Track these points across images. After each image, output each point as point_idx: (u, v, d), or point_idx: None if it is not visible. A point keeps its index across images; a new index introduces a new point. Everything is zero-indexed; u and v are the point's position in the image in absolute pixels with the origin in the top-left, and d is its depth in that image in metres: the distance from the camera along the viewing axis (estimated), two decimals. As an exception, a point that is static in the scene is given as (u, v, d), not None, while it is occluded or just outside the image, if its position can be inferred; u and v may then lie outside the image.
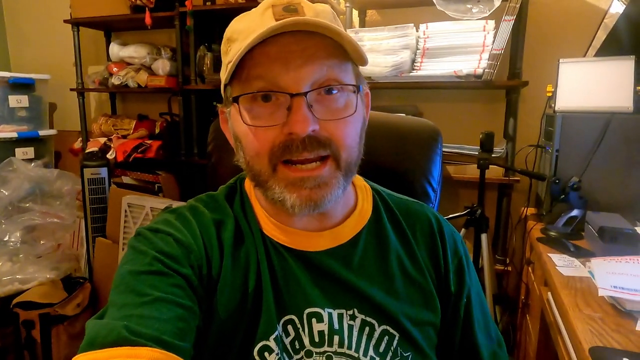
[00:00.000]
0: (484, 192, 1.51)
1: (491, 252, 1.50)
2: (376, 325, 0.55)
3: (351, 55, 0.53)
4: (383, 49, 1.65)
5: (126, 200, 1.91)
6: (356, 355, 0.53)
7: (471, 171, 1.59)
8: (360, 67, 0.57)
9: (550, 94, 1.44)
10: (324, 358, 0.53)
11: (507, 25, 1.51)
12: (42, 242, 2.05)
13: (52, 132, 2.46)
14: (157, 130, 2.20)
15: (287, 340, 0.53)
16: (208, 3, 1.89)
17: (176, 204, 0.62)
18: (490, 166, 1.47)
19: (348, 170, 0.53)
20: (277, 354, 0.51)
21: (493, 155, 1.49)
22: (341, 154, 0.52)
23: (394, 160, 0.82)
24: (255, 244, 0.56)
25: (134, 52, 2.11)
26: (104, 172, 2.03)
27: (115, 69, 2.14)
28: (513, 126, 1.66)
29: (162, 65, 2.05)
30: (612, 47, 1.51)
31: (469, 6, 1.53)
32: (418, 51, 1.65)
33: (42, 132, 2.38)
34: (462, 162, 1.65)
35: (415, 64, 1.66)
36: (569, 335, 0.83)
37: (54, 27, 2.49)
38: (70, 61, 2.37)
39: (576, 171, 1.30)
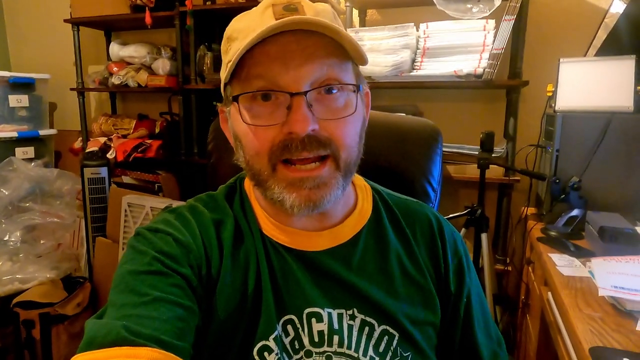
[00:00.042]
0: (484, 191, 1.51)
1: (491, 251, 1.50)
2: (376, 325, 0.55)
3: (351, 55, 0.53)
4: (383, 49, 1.64)
5: (126, 200, 1.91)
6: (356, 355, 0.53)
7: (471, 171, 1.59)
8: (361, 66, 0.57)
9: (550, 94, 1.44)
10: (324, 358, 0.53)
11: (507, 24, 1.51)
12: (42, 241, 2.05)
13: (52, 131, 2.46)
14: (157, 130, 2.21)
15: (286, 340, 0.53)
16: (208, 2, 1.89)
17: (176, 204, 0.62)
18: (490, 166, 1.47)
19: (347, 170, 0.53)
20: (276, 354, 0.51)
21: (493, 155, 1.49)
22: (341, 153, 0.52)
23: (394, 160, 0.82)
24: (254, 244, 0.56)
25: (134, 51, 2.11)
26: (104, 171, 2.03)
27: (115, 69, 2.14)
28: (513, 126, 1.66)
29: (162, 65, 2.05)
30: (612, 46, 1.51)
31: (469, 6, 1.52)
32: (418, 51, 1.64)
33: (42, 132, 2.38)
34: (462, 161, 1.65)
35: (415, 64, 1.66)
36: (569, 335, 0.83)
37: (54, 27, 2.49)
38: (70, 61, 2.38)
39: (576, 171, 1.30)
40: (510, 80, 1.66)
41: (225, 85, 0.55)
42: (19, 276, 1.85)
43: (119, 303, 0.46)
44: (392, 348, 0.55)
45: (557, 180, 1.31)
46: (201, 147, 2.05)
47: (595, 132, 1.27)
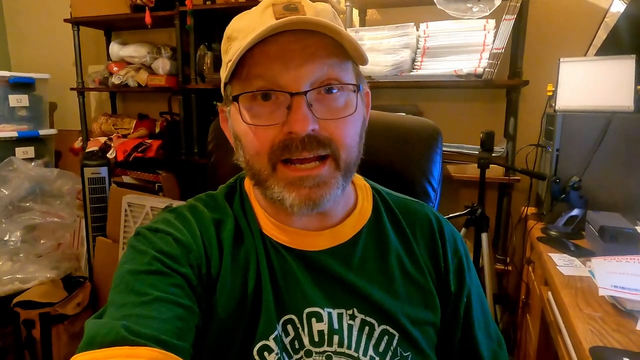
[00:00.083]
0: (485, 191, 1.51)
1: (491, 251, 1.50)
2: (376, 324, 0.55)
3: (351, 55, 0.53)
4: (383, 48, 1.64)
5: (126, 200, 1.91)
6: (356, 354, 0.53)
7: (471, 170, 1.59)
8: (361, 66, 0.57)
9: (550, 93, 1.44)
10: (324, 358, 0.53)
11: (507, 24, 1.51)
12: (42, 241, 2.06)
13: (53, 131, 2.46)
14: (157, 130, 2.21)
15: (286, 340, 0.53)
16: (208, 2, 1.89)
17: (176, 204, 0.62)
18: (490, 165, 1.47)
19: (347, 170, 0.53)
20: (276, 354, 0.51)
21: (493, 155, 1.49)
22: (341, 153, 0.52)
23: (394, 159, 0.82)
24: (254, 244, 0.56)
25: (134, 51, 2.11)
26: (104, 171, 2.03)
27: (115, 68, 2.14)
28: (513, 125, 1.66)
29: (162, 65, 2.05)
30: (612, 46, 1.51)
31: (469, 5, 1.52)
32: (418, 50, 1.64)
33: (42, 132, 2.38)
34: (462, 161, 1.65)
35: (415, 63, 1.66)
36: (569, 335, 0.83)
37: (54, 27, 2.49)
38: (70, 60, 2.38)
39: (576, 170, 1.30)
40: (510, 80, 1.66)
41: (225, 84, 0.55)
42: (19, 276, 1.85)
43: (119, 303, 0.46)
44: (392, 348, 0.55)
45: (557, 180, 1.31)
46: (201, 147, 2.05)
47: (596, 131, 1.27)
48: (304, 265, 0.56)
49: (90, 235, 2.06)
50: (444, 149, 1.41)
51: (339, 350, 0.53)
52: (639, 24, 1.45)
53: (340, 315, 0.54)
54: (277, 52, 0.49)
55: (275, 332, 0.52)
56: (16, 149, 2.28)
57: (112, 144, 2.11)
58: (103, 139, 2.16)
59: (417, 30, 1.64)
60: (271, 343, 0.51)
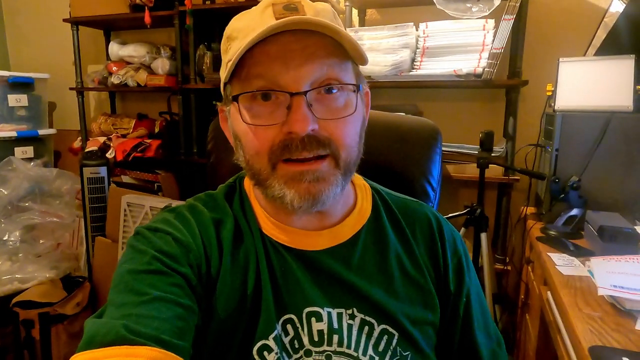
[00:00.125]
0: (484, 191, 1.51)
1: (491, 251, 1.50)
2: (375, 324, 0.55)
3: (351, 54, 0.53)
4: (383, 48, 1.64)
5: (125, 200, 1.91)
6: (355, 354, 0.53)
7: (471, 170, 1.59)
8: (360, 66, 0.57)
9: (550, 93, 1.44)
10: (324, 357, 0.53)
11: (507, 24, 1.51)
12: (41, 241, 2.05)
13: (52, 131, 2.46)
14: (156, 130, 2.20)
15: (286, 340, 0.53)
16: (207, 2, 1.89)
17: (175, 203, 0.62)
18: (489, 165, 1.47)
19: (347, 169, 0.53)
20: (276, 353, 0.51)
21: (493, 155, 1.49)
22: (340, 153, 0.52)
23: (393, 159, 0.82)
24: (254, 243, 0.56)
25: (134, 51, 2.11)
26: (103, 171, 2.03)
27: (114, 68, 2.14)
28: (513, 125, 1.66)
29: (162, 65, 2.05)
30: (612, 46, 1.51)
31: (468, 5, 1.52)
32: (418, 50, 1.64)
33: (41, 132, 2.38)
34: (461, 161, 1.65)
35: (415, 63, 1.66)
36: (568, 335, 0.83)
37: (54, 26, 2.48)
38: (69, 60, 2.37)
39: (576, 170, 1.30)
40: (509, 80, 1.66)
41: (225, 84, 0.55)
42: (19, 276, 1.85)
43: (119, 302, 0.46)
44: (391, 347, 0.55)
45: (557, 180, 1.31)
46: (201, 147, 2.05)
47: (595, 131, 1.27)
48: (304, 265, 0.56)
49: (89, 235, 2.06)
50: (444, 148, 1.40)
51: (338, 349, 0.53)
52: (638, 24, 1.45)
53: (339, 315, 0.55)
54: (277, 52, 0.49)
55: (275, 332, 0.52)
56: (15, 148, 2.28)
57: (111, 144, 2.11)
58: (102, 139, 2.16)
59: (417, 30, 1.64)
60: (271, 343, 0.51)
